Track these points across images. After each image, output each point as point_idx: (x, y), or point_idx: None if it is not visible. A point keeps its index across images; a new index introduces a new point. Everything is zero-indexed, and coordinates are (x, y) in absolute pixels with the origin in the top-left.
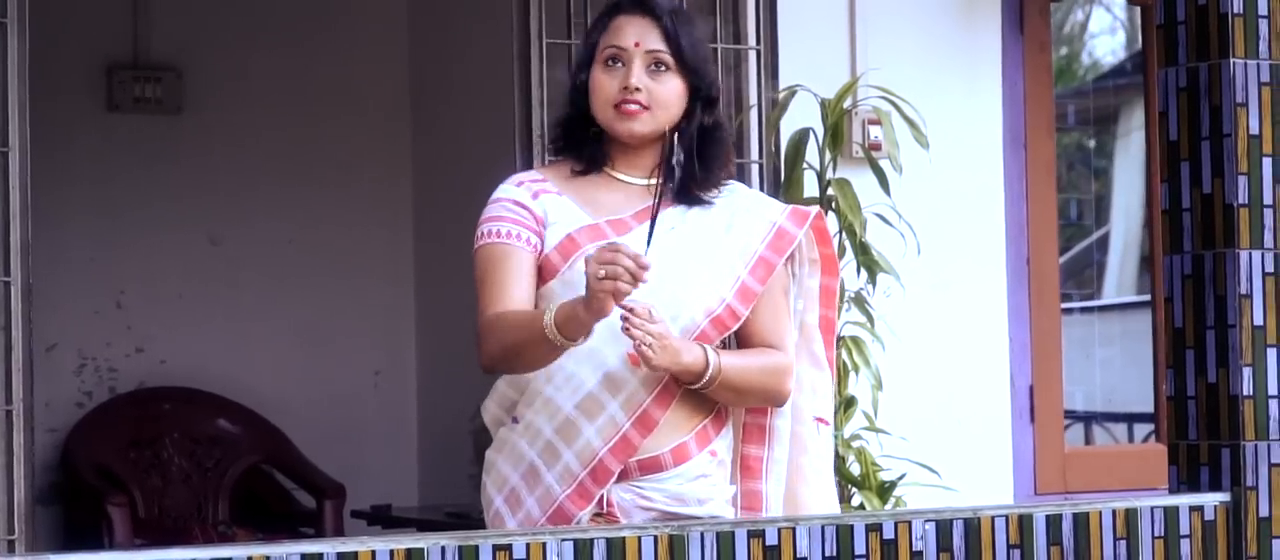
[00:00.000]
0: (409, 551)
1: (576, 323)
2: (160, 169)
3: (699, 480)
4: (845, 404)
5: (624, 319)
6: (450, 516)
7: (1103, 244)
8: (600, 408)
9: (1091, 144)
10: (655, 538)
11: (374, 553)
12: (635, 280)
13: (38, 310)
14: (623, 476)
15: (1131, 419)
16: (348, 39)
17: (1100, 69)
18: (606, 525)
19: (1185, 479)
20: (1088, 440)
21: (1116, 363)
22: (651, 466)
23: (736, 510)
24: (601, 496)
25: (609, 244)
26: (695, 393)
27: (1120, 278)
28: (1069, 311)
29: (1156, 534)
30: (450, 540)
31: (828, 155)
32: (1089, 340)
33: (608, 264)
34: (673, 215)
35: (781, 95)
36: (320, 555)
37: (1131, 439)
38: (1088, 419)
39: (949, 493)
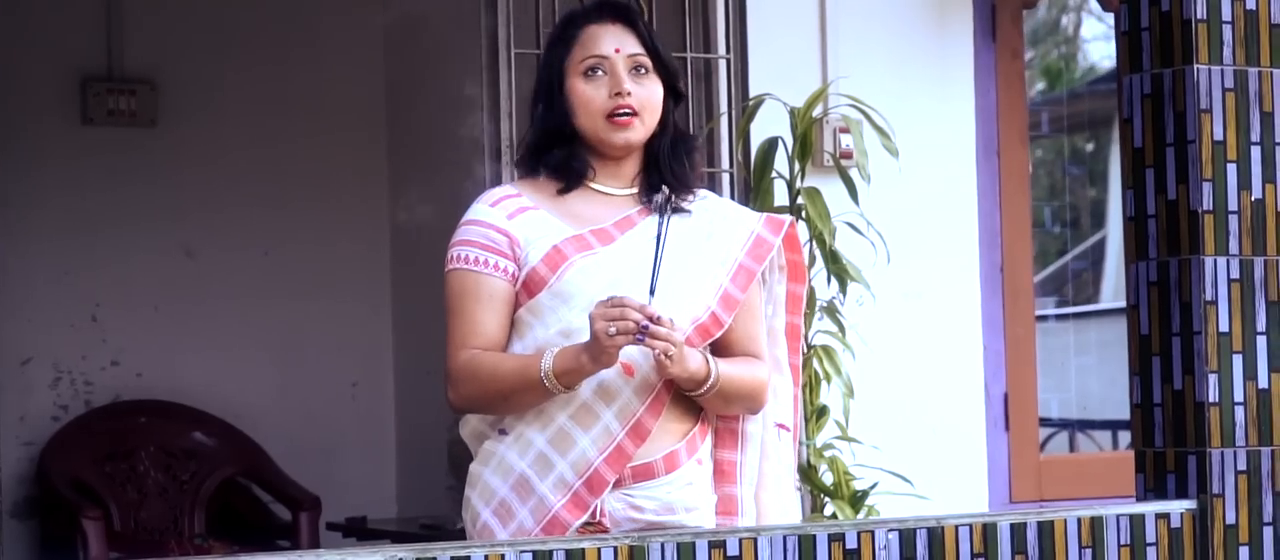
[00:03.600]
0: None
1: (580, 374)
2: (135, 182)
3: (687, 488)
4: (817, 413)
5: (644, 330)
6: (425, 528)
7: (1100, 248)
8: (594, 417)
9: (1088, 148)
10: (615, 549)
11: None
12: (644, 330)
13: (13, 324)
14: (616, 484)
15: (1115, 426)
16: (323, 51)
17: (1098, 72)
18: (570, 537)
19: (1152, 487)
20: (1072, 447)
21: (1102, 369)
22: (644, 473)
23: (716, 518)
24: (595, 506)
25: (613, 299)
26: (682, 400)
27: (1117, 283)
28: (1044, 318)
29: (1123, 542)
30: (408, 552)
31: (797, 164)
32: (1081, 346)
33: (616, 321)
34: (654, 225)
35: (750, 104)
36: None
37: (1116, 446)
38: (1070, 426)
39: (923, 502)
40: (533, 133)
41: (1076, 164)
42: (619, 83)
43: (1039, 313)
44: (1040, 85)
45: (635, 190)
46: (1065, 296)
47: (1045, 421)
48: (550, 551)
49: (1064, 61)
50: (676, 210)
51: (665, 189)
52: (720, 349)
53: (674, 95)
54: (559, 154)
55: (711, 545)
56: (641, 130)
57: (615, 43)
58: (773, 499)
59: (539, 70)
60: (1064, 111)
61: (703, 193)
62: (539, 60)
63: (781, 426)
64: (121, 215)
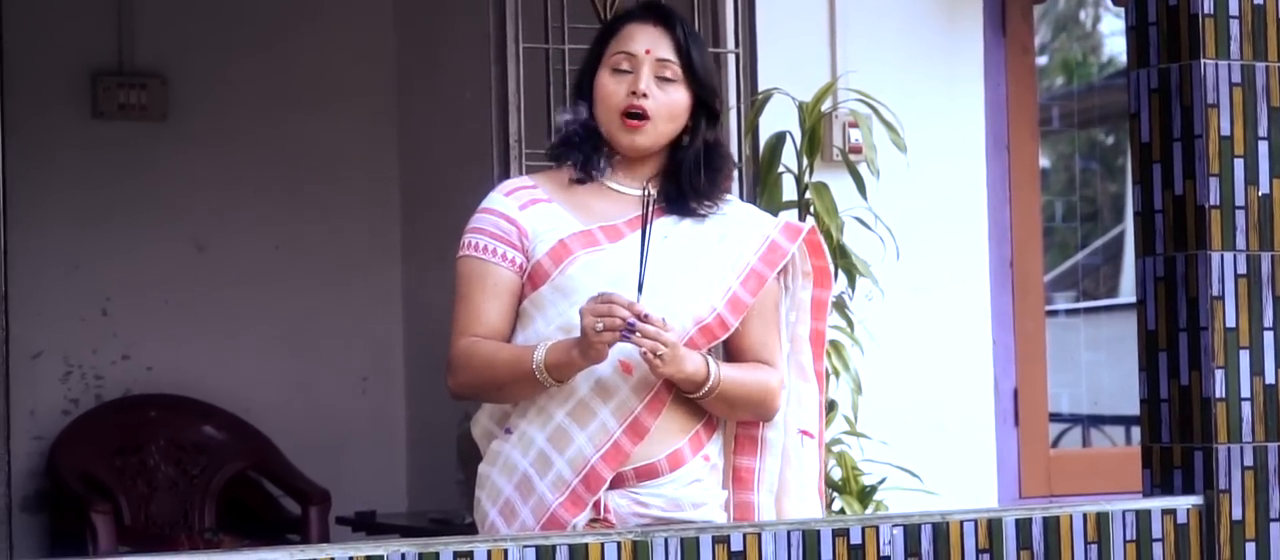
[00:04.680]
0: (369, 558)
1: (571, 368)
2: (146, 175)
3: (694, 485)
4: (826, 408)
5: (633, 328)
6: (434, 522)
7: (1119, 242)
8: (591, 415)
9: (1108, 141)
10: (619, 544)
11: (333, 559)
12: (633, 329)
13: (23, 318)
14: (620, 483)
15: (1129, 421)
16: (333, 44)
17: (1117, 65)
18: (575, 532)
19: (1159, 482)
20: (1085, 443)
21: (1118, 364)
22: (648, 473)
23: (729, 517)
24: (598, 503)
25: (602, 295)
26: (686, 400)
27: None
28: (1055, 313)
29: (1128, 538)
30: (412, 547)
31: (805, 159)
32: (1099, 341)
33: (604, 317)
34: (664, 224)
35: (759, 98)
36: None
37: (1129, 441)
38: (1085, 422)
39: (931, 497)
40: (564, 122)
41: (1096, 158)
42: (638, 81)
43: (1054, 308)
44: (1059, 79)
45: (648, 190)
46: (1084, 290)
47: (1059, 417)
48: (553, 547)
49: (1082, 55)
50: (689, 214)
51: (649, 188)
52: (733, 354)
53: (708, 113)
54: (582, 146)
55: (716, 541)
56: (651, 136)
57: (647, 43)
58: (795, 506)
59: (582, 64)
60: (1081, 106)
61: (728, 199)
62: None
63: (805, 433)
64: (132, 209)
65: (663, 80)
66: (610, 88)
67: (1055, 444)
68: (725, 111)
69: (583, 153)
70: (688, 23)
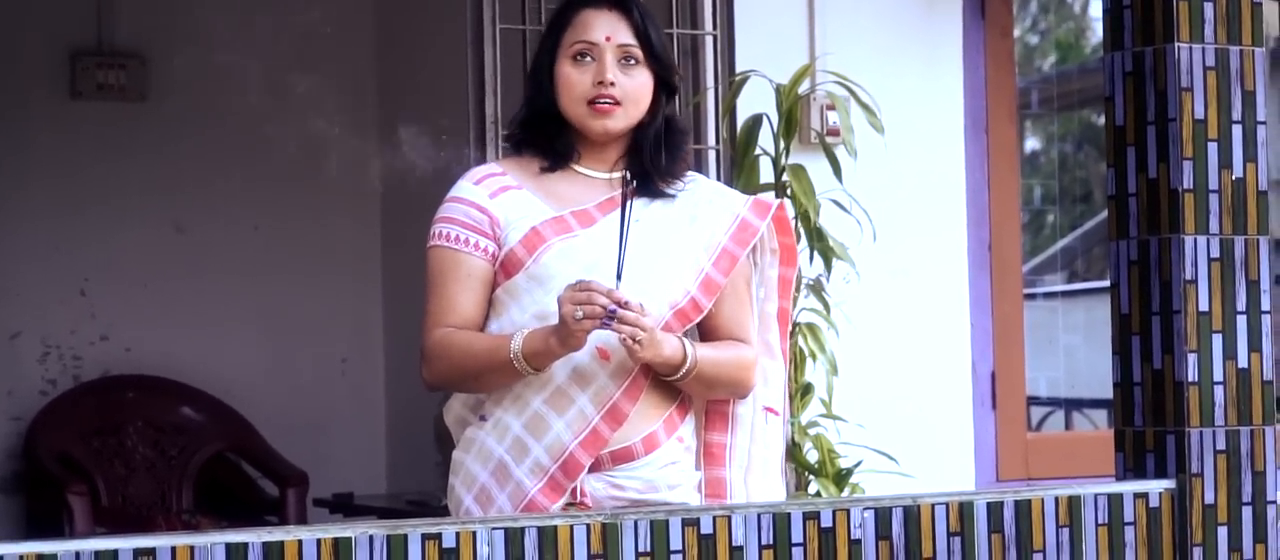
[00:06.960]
0: (336, 542)
1: (548, 356)
2: (125, 157)
3: (669, 467)
4: (802, 391)
5: (612, 315)
6: (411, 505)
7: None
8: (569, 401)
9: (1102, 121)
10: (588, 526)
11: (300, 543)
12: (612, 315)
13: (2, 299)
14: (596, 467)
15: (1112, 405)
16: (313, 26)
17: None
18: (543, 514)
19: (1131, 466)
20: (1068, 426)
21: (1100, 347)
22: (624, 456)
23: (701, 497)
24: (575, 487)
25: (580, 283)
26: (663, 383)
27: None
28: (1032, 296)
29: (1100, 521)
30: (380, 529)
31: (782, 141)
32: (1088, 324)
33: (583, 304)
34: (636, 207)
35: (736, 80)
36: (245, 546)
37: (1111, 424)
38: (1066, 405)
39: (908, 480)
40: (522, 111)
41: (1089, 140)
42: (603, 71)
43: (1033, 291)
44: (1053, 58)
45: (619, 173)
46: (1076, 273)
47: (1038, 400)
48: (522, 529)
49: (1074, 37)
50: (659, 195)
51: (628, 173)
52: (708, 334)
53: (666, 88)
54: (545, 134)
55: (685, 523)
56: (623, 120)
57: (607, 30)
58: (760, 481)
59: (537, 49)
60: (1072, 87)
61: (691, 176)
62: (540, 39)
63: (770, 410)
64: (111, 190)
65: (625, 64)
66: (574, 78)
67: (1039, 427)
68: (703, 93)
69: (547, 137)
70: (640, 2)
